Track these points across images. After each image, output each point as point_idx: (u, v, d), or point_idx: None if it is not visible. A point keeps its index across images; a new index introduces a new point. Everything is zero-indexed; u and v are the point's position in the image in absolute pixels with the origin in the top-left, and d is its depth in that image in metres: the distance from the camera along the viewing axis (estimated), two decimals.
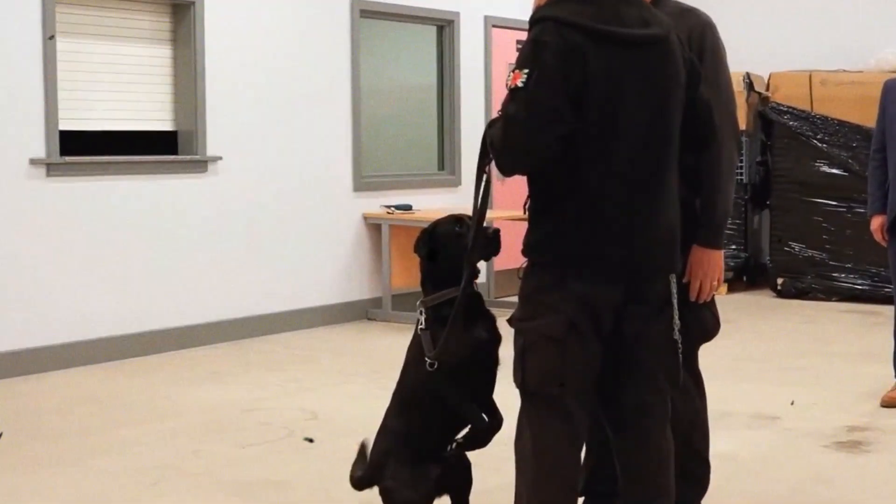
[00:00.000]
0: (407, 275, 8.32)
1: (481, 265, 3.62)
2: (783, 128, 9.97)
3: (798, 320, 8.84)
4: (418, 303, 3.68)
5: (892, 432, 5.37)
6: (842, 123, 9.73)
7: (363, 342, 7.95)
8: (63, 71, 6.95)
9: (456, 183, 9.59)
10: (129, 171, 7.28)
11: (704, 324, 3.60)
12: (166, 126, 7.69)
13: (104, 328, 7.10)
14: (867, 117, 9.41)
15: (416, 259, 3.77)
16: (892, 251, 5.78)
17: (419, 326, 3.63)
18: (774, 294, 10.04)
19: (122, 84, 7.38)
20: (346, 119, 8.69)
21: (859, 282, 9.71)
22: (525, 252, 3.10)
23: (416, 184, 9.32)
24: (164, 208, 7.45)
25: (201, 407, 5.95)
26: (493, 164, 3.14)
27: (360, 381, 6.56)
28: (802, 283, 9.92)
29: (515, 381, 3.10)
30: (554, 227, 3.01)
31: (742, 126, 9.30)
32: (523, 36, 3.16)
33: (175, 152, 7.69)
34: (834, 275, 9.80)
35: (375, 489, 3.73)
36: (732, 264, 9.99)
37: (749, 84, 10.12)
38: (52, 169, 6.86)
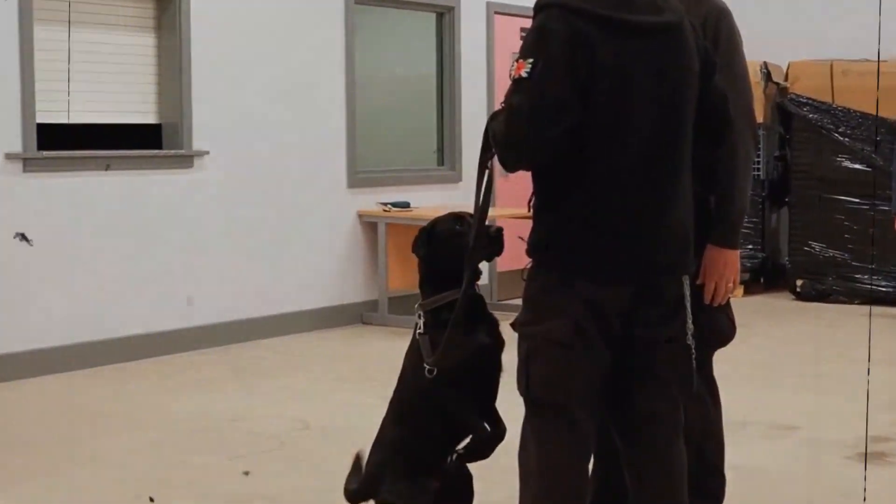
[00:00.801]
0: (404, 276, 8.31)
1: (483, 266, 3.62)
2: (803, 120, 9.98)
3: (818, 324, 8.83)
4: (416, 306, 3.68)
5: None
6: (865, 116, 9.73)
7: (358, 347, 7.95)
8: (40, 60, 6.95)
9: (456, 179, 9.59)
10: (110, 167, 7.27)
11: (719, 328, 3.60)
12: (150, 119, 7.69)
13: (84, 332, 7.10)
14: (892, 109, 9.43)
15: (414, 259, 3.77)
16: None
17: (417, 331, 3.63)
18: (793, 296, 10.04)
19: (103, 74, 7.38)
20: (341, 111, 8.68)
21: (883, 283, 9.71)
22: (529, 252, 3.10)
23: (414, 180, 9.32)
24: (147, 205, 7.45)
25: (187, 416, 5.95)
26: (495, 158, 3.14)
27: (355, 388, 6.56)
28: (823, 284, 9.92)
29: (519, 388, 3.10)
30: (559, 225, 3.02)
31: (759, 119, 9.29)
32: (527, 23, 3.16)
33: (159, 146, 7.69)
34: (856, 276, 9.80)
35: (371, 503, 3.73)
36: (749, 265, 9.99)
37: (766, 74, 10.12)
38: (28, 164, 6.86)
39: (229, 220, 7.90)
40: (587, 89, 2.91)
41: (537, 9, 3.01)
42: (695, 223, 3.16)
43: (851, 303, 9.73)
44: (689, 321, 3.14)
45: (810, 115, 9.92)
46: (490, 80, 9.84)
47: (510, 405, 3.45)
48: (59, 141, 7.10)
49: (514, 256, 3.66)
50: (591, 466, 3.29)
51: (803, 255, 10.02)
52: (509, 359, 3.34)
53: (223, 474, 4.93)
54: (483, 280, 3.88)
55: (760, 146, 9.89)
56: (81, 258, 7.10)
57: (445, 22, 9.59)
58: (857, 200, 9.77)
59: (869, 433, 5.52)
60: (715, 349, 3.68)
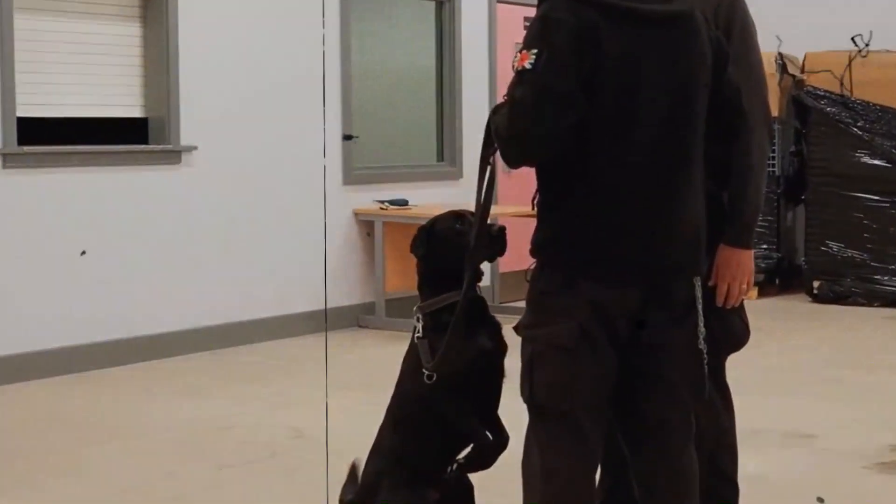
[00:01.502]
0: (402, 277, 8.32)
1: (485, 267, 3.62)
2: (820, 114, 9.98)
3: (836, 328, 8.83)
4: (415, 308, 3.68)
5: None
6: (885, 109, 9.73)
7: (354, 352, 7.95)
8: (21, 51, 6.95)
9: (457, 175, 9.59)
10: (94, 163, 7.27)
11: (732, 331, 3.61)
12: (135, 112, 7.69)
13: (66, 336, 7.09)
14: None
15: (413, 260, 3.77)
16: None
17: (416, 334, 3.63)
18: (810, 299, 10.04)
19: (86, 66, 7.37)
20: (335, 105, 8.68)
21: None
22: (533, 252, 3.10)
23: (412, 176, 9.32)
24: (133, 203, 7.44)
25: (174, 424, 5.95)
26: (497, 154, 3.14)
27: (351, 395, 6.56)
28: (841, 286, 9.92)
29: (522, 394, 3.10)
30: (565, 224, 3.02)
31: (774, 112, 9.31)
32: (531, 12, 3.17)
33: (145, 141, 7.69)
34: (876, 277, 9.80)
35: None
36: (764, 265, 9.99)
37: (782, 65, 10.12)
38: (8, 160, 6.86)
39: (219, 218, 7.90)
40: (593, 81, 2.91)
41: None
42: (707, 222, 3.16)
43: (871, 305, 9.73)
44: (701, 324, 3.14)
45: (828, 109, 9.92)
46: (492, 72, 9.84)
47: (513, 412, 3.45)
48: (41, 136, 7.10)
49: (518, 256, 3.66)
50: (598, 476, 3.30)
51: (820, 256, 10.02)
52: (513, 364, 3.34)
53: (212, 485, 4.93)
54: (485, 281, 3.88)
55: (776, 141, 9.89)
56: (63, 258, 7.10)
57: (445, 11, 9.59)
58: (876, 198, 9.77)
59: (890, 442, 5.52)
60: (728, 353, 3.68)
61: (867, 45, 9.85)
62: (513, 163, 3.06)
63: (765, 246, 10.06)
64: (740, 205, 3.53)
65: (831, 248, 9.97)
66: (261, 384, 6.89)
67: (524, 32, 3.06)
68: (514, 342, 3.25)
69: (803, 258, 10.33)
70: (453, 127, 9.63)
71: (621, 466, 3.36)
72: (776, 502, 4.65)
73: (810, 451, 5.43)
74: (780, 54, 10.05)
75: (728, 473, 3.75)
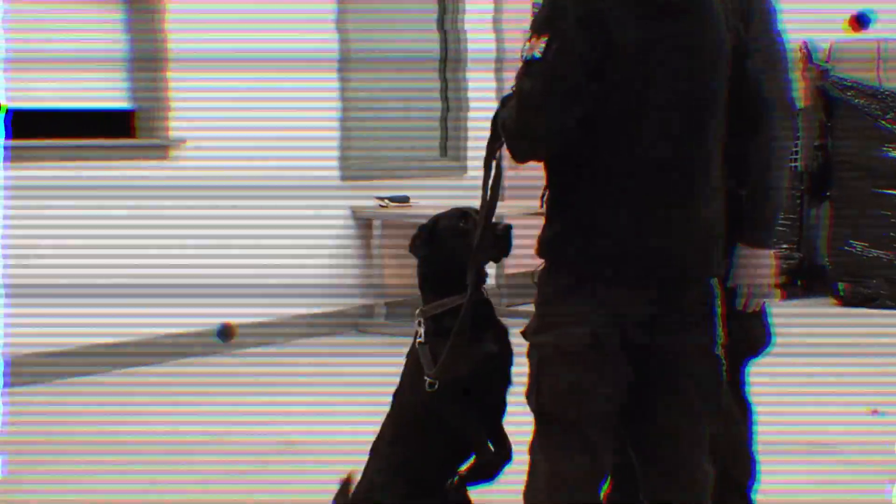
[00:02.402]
0: (403, 279, 8.31)
1: (490, 268, 3.62)
2: (846, 106, 9.96)
3: (863, 333, 8.82)
4: (416, 312, 3.68)
5: None
6: None
7: (352, 358, 7.94)
8: None
9: (461, 171, 9.58)
10: (77, 157, 7.27)
11: (752, 336, 3.61)
12: (121, 104, 7.69)
13: (46, 341, 7.09)
14: None
15: (414, 260, 3.77)
16: None
17: (417, 339, 3.64)
18: (835, 301, 10.03)
19: (68, 55, 7.37)
20: (333, 96, 8.68)
21: None
22: (540, 251, 3.11)
23: (414, 172, 9.32)
24: (118, 200, 7.44)
25: (160, 435, 5.95)
26: (504, 148, 3.14)
27: (348, 403, 6.56)
28: (868, 288, 9.91)
29: (529, 402, 3.11)
30: (574, 222, 3.02)
31: (797, 104, 9.29)
32: None
33: (131, 135, 7.69)
34: None
35: None
36: (785, 266, 9.96)
37: (806, 55, 10.10)
38: None
39: (209, 216, 7.89)
40: (602, 72, 2.91)
41: None
42: (725, 220, 3.16)
43: None
44: (718, 329, 3.14)
45: (855, 100, 9.91)
46: (499, 61, 9.82)
47: (518, 421, 3.45)
48: (21, 129, 7.08)
49: (524, 257, 3.66)
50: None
51: (846, 256, 10.00)
52: (519, 370, 3.34)
53: (200, 498, 4.93)
54: (490, 283, 3.88)
55: (799, 134, 9.87)
56: (43, 258, 7.09)
57: None
58: None
59: None
60: (747, 360, 3.68)
61: None
62: (520, 157, 3.06)
63: (786, 245, 10.04)
64: (760, 202, 3.53)
65: (857, 247, 9.95)
66: (252, 392, 6.89)
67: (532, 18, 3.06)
68: (521, 348, 3.26)
69: (827, 259, 10.31)
70: (457, 120, 9.62)
71: (624, 472, 3.35)
72: None
73: (835, 464, 5.42)
74: (804, 43, 10.03)
75: (743, 487, 3.75)
